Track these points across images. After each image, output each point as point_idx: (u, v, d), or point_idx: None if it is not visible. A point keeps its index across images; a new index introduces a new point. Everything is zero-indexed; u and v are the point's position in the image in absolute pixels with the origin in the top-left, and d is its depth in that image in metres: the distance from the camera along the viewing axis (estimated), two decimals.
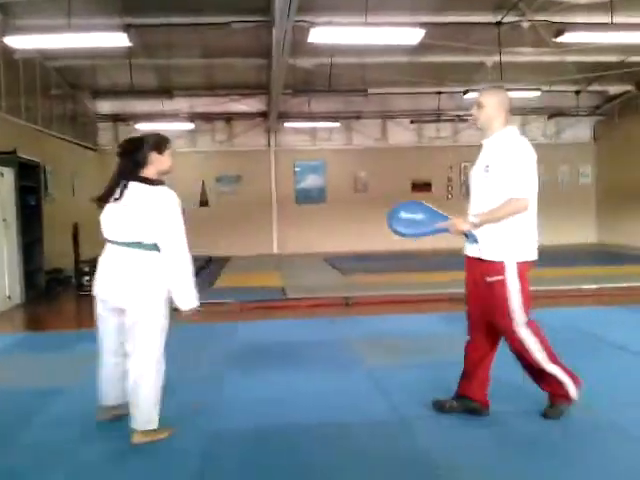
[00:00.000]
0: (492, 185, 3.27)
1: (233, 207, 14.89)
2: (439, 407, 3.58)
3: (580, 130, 15.96)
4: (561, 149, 15.80)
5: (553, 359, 3.36)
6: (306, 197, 15.48)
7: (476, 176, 3.41)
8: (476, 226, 3.30)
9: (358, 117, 14.97)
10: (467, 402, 3.52)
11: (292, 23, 7.17)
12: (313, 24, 7.50)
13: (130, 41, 7.54)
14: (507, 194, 3.21)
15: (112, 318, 3.30)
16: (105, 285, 3.26)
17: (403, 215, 3.45)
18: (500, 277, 3.24)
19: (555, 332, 5.65)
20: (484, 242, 3.30)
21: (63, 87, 12.25)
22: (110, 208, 3.26)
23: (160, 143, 3.32)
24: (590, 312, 6.80)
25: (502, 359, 3.53)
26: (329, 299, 7.87)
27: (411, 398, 3.83)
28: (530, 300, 3.31)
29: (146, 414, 3.20)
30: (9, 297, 8.05)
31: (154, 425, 3.25)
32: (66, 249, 9.40)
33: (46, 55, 10.64)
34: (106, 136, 14.76)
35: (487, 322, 3.40)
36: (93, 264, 10.74)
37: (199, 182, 15.04)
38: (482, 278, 3.32)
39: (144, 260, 3.17)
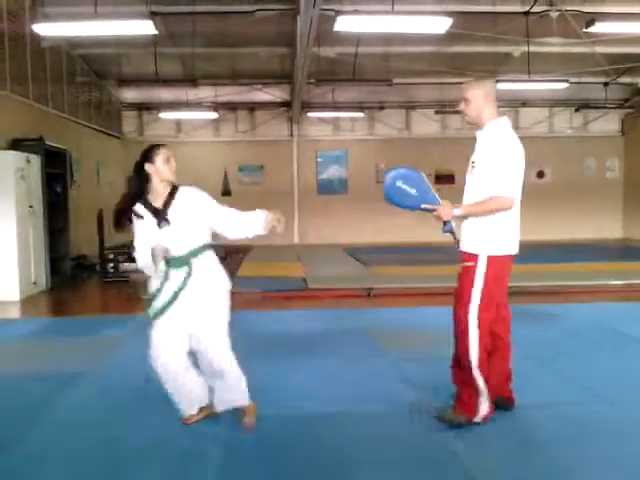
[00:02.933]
0: (477, 182, 3.24)
1: (255, 197, 14.88)
2: None
3: (608, 123, 15.65)
4: (588, 142, 15.53)
5: (484, 371, 3.22)
6: (328, 187, 15.44)
7: (468, 171, 3.37)
8: (457, 217, 3.27)
9: (381, 107, 14.86)
10: None
11: (318, 11, 7.12)
12: (339, 12, 7.42)
13: (155, 29, 7.55)
14: (491, 192, 3.15)
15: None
16: None
17: (399, 184, 3.39)
18: (471, 264, 3.23)
19: (582, 328, 5.61)
20: (464, 235, 3.29)
21: (89, 75, 12.36)
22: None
23: (149, 155, 3.23)
24: (617, 308, 6.68)
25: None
26: (351, 290, 7.84)
27: (434, 389, 3.79)
28: (495, 298, 3.22)
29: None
30: (35, 283, 8.17)
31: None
32: (91, 236, 9.50)
33: (72, 43, 10.73)
34: (131, 124, 14.88)
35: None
36: (117, 251, 10.72)
37: (222, 171, 15.09)
38: (461, 267, 3.32)
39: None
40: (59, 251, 9.23)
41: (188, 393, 3.31)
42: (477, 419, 3.25)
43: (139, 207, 3.23)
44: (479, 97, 3.27)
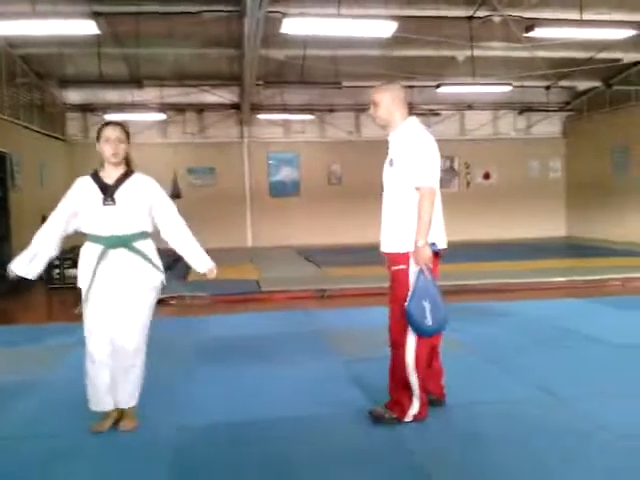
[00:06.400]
0: (396, 178, 3.32)
1: (206, 199, 14.73)
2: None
3: (550, 125, 16.17)
4: (531, 144, 16.01)
5: (421, 374, 3.26)
6: (280, 190, 15.41)
7: (384, 171, 3.45)
8: (426, 242, 3.14)
9: (331, 110, 14.94)
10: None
11: (264, 13, 7.11)
12: (285, 14, 7.43)
13: (99, 29, 7.38)
14: (414, 184, 3.20)
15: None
16: None
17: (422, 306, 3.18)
18: (402, 266, 3.25)
19: (529, 325, 5.76)
20: (387, 235, 3.33)
21: (30, 76, 11.95)
22: None
23: (97, 133, 3.32)
24: (562, 305, 6.89)
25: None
26: (304, 292, 7.85)
27: (385, 389, 3.82)
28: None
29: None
30: None
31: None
32: None
33: (11, 43, 10.37)
34: (75, 126, 14.46)
35: None
36: (62, 257, 10.41)
37: (170, 173, 14.82)
38: (390, 269, 3.36)
39: None
40: (1, 257, 8.90)
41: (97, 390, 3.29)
42: (407, 418, 3.28)
43: (87, 180, 3.26)
44: (387, 100, 3.40)
